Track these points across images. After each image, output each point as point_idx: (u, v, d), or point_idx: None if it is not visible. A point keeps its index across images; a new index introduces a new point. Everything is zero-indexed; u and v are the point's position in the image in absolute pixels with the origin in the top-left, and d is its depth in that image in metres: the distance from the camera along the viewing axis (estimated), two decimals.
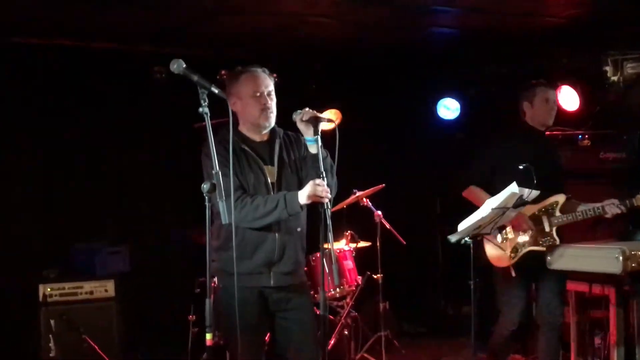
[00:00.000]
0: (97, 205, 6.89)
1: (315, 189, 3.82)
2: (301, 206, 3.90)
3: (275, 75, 4.17)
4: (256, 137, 4.11)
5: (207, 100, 3.36)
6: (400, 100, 7.94)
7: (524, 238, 5.02)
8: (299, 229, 4.14)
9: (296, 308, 4.12)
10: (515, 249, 5.02)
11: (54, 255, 6.41)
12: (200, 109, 3.35)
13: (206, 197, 3.34)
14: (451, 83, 7.86)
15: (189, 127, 5.95)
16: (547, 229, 4.99)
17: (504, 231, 5.08)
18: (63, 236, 6.58)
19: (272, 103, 4.06)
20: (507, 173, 4.84)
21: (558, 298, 5.12)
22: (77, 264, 6.35)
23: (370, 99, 7.96)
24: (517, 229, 5.03)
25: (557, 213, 4.99)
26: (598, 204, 4.87)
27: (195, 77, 3.35)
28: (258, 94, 4.02)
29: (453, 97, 7.84)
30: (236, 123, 4.10)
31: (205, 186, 3.32)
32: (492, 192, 4.84)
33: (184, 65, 3.33)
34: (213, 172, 3.36)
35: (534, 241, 5.00)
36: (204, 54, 6.81)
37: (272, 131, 4.14)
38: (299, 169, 4.11)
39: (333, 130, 3.94)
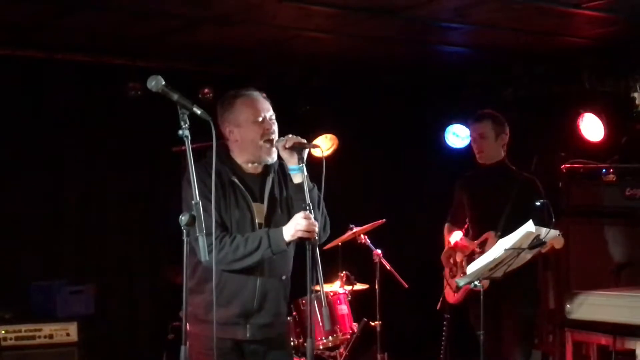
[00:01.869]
0: (58, 238, 6.91)
1: (302, 223, 3.81)
2: (287, 243, 3.89)
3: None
4: (249, 169, 4.09)
5: (187, 121, 3.37)
6: (404, 125, 8.00)
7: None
8: (284, 277, 4.13)
9: None
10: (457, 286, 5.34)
11: (8, 295, 6.40)
12: (180, 132, 3.35)
13: (184, 231, 3.35)
14: (461, 108, 7.93)
15: (166, 150, 6.04)
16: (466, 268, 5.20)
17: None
18: (19, 273, 6.59)
19: (275, 128, 4.04)
20: (470, 210, 5.45)
21: (519, 348, 5.20)
22: (35, 305, 6.34)
23: (370, 123, 8.02)
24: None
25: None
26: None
27: (175, 96, 3.36)
28: (260, 119, 4.00)
29: (463, 124, 7.90)
30: (227, 150, 4.10)
31: (183, 218, 3.33)
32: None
33: (163, 83, 3.34)
34: (193, 202, 3.34)
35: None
36: (185, 67, 6.88)
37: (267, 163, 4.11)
38: (291, 207, 4.07)
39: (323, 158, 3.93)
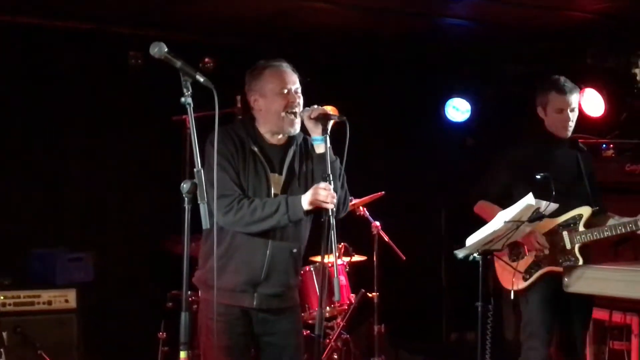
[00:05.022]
0: (57, 205, 6.91)
1: (320, 193, 3.84)
2: (304, 212, 3.91)
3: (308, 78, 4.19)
4: (272, 139, 4.11)
5: (190, 89, 3.36)
6: (404, 98, 7.99)
7: (540, 257, 4.94)
8: (294, 250, 4.13)
9: (282, 332, 4.15)
10: (529, 270, 4.95)
11: (8, 261, 6.41)
12: (183, 99, 3.35)
13: (185, 198, 3.34)
14: (462, 81, 7.92)
15: (166, 119, 6.01)
16: (568, 246, 4.89)
17: (518, 249, 5.02)
18: (18, 240, 6.58)
19: (300, 101, 4.06)
20: (525, 185, 4.76)
21: (582, 335, 5.10)
22: (34, 271, 6.36)
23: (371, 95, 8.00)
24: (528, 247, 4.97)
25: (581, 228, 4.89)
26: (630, 219, 4.74)
27: (178, 63, 3.35)
28: (285, 91, 4.03)
29: (463, 97, 7.89)
30: (253, 120, 4.13)
31: (185, 186, 3.32)
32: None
33: (166, 49, 3.34)
34: (195, 170, 3.34)
35: (552, 260, 4.91)
36: (186, 38, 6.83)
37: (292, 135, 4.13)
38: (310, 182, 4.08)
39: (340, 127, 3.94)
